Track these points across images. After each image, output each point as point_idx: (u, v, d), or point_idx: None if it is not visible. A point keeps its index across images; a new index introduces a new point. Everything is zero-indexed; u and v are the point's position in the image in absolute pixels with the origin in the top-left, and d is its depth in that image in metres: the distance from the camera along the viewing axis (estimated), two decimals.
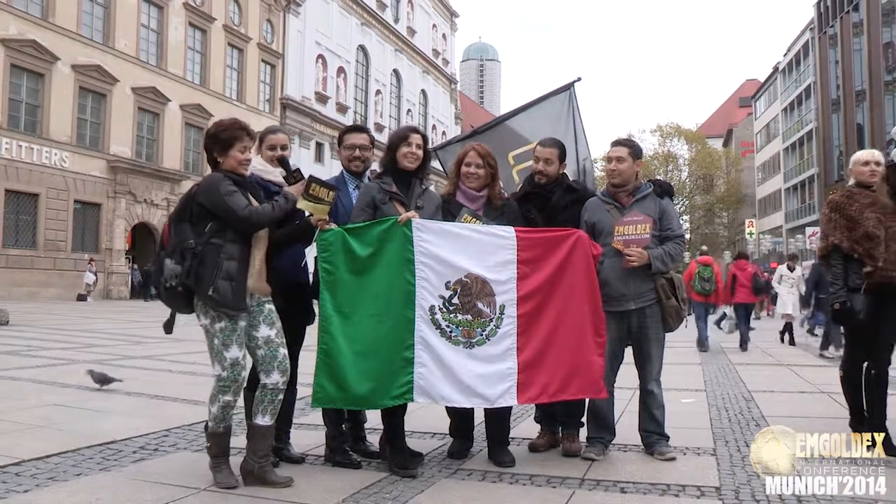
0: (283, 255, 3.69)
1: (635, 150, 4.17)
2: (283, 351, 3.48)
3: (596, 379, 3.75)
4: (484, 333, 3.69)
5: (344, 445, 3.88)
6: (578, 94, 4.96)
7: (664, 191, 4.21)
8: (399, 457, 3.66)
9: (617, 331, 4.02)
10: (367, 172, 4.09)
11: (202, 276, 3.27)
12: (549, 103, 5.06)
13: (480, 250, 3.71)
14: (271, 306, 3.53)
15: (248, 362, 3.51)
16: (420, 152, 3.85)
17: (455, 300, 3.67)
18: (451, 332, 3.66)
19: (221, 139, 3.46)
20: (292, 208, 3.50)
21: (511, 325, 3.71)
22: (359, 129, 4.18)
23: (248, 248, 3.41)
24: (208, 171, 3.64)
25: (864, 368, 4.25)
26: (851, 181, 4.40)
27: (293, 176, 3.60)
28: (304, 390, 4.19)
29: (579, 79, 5.07)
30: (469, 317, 3.68)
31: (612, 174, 4.11)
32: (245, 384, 3.54)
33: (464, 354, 3.65)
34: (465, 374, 3.61)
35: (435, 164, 4.75)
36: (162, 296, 3.37)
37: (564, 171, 4.29)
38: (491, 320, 3.70)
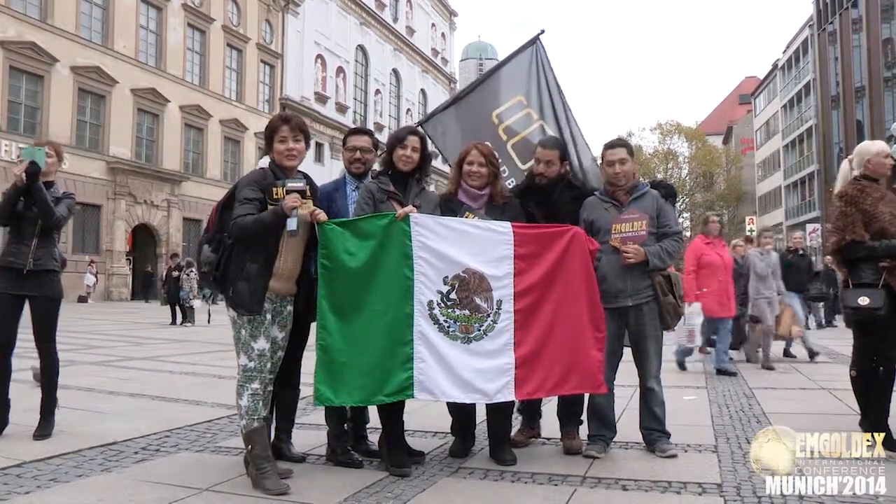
0: None
1: (630, 148, 4.22)
2: (281, 354, 3.59)
3: (594, 374, 3.75)
4: (481, 329, 3.69)
5: (346, 445, 3.89)
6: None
7: (668, 193, 4.23)
8: (395, 454, 3.67)
9: (615, 327, 4.02)
10: (370, 174, 4.09)
11: (228, 273, 3.41)
12: (517, 62, 5.10)
13: (478, 245, 3.72)
14: (291, 308, 3.60)
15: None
16: (415, 155, 3.86)
17: (453, 295, 3.68)
18: (448, 327, 3.66)
19: (266, 134, 3.61)
20: (276, 219, 3.34)
21: (508, 321, 3.71)
22: (361, 131, 4.20)
23: (276, 251, 3.44)
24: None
25: (874, 366, 4.14)
26: (856, 172, 4.23)
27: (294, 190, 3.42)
28: (306, 390, 4.20)
29: (543, 31, 5.13)
30: (467, 312, 3.69)
31: (618, 177, 4.11)
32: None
33: (462, 350, 3.66)
34: (464, 369, 3.62)
35: (436, 162, 4.77)
36: (201, 277, 3.59)
37: (566, 168, 4.30)
38: (488, 315, 3.70)
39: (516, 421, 4.40)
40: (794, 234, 11.35)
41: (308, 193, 3.49)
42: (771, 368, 8.30)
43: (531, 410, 4.38)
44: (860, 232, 4.02)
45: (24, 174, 4.17)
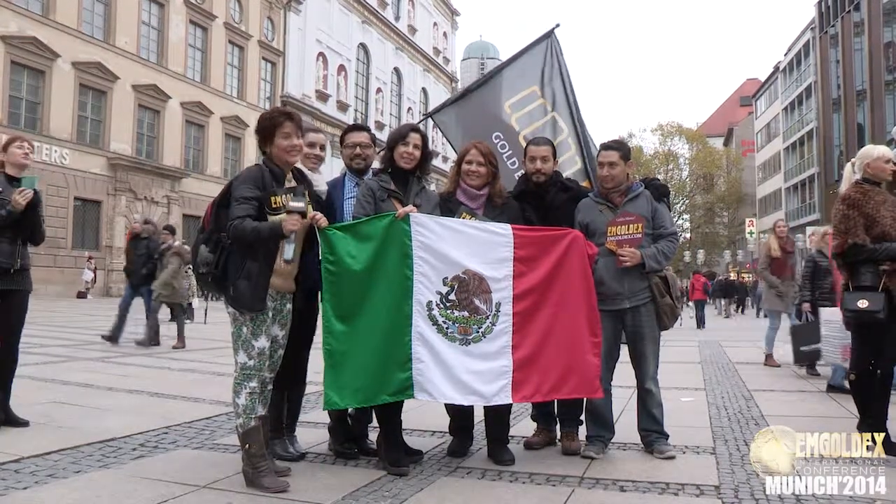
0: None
1: (625, 153, 4.17)
2: (281, 352, 3.56)
3: (591, 378, 3.74)
4: (480, 330, 3.68)
5: (343, 437, 3.95)
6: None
7: (661, 194, 4.22)
8: (392, 453, 3.67)
9: (612, 329, 4.02)
10: (370, 172, 4.09)
11: (228, 272, 3.34)
12: (532, 54, 5.15)
13: (478, 247, 3.70)
14: (290, 306, 3.56)
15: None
16: (417, 153, 3.85)
17: (452, 296, 3.66)
18: (447, 328, 3.65)
19: (263, 129, 3.47)
20: (274, 236, 3.29)
21: (507, 323, 3.70)
22: (359, 127, 4.19)
23: (276, 248, 3.38)
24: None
25: (872, 369, 4.13)
26: (857, 176, 4.24)
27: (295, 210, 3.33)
28: (310, 387, 4.21)
29: (558, 25, 5.18)
30: (466, 313, 3.67)
31: (604, 179, 4.12)
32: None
33: (460, 351, 3.64)
34: (461, 370, 3.60)
35: (436, 161, 4.80)
36: (197, 278, 3.48)
37: (557, 168, 4.34)
38: (487, 317, 3.69)
39: (517, 422, 4.39)
40: None
41: (308, 213, 3.41)
42: None
43: (546, 413, 4.32)
44: (862, 235, 4.03)
45: (25, 203, 4.31)
